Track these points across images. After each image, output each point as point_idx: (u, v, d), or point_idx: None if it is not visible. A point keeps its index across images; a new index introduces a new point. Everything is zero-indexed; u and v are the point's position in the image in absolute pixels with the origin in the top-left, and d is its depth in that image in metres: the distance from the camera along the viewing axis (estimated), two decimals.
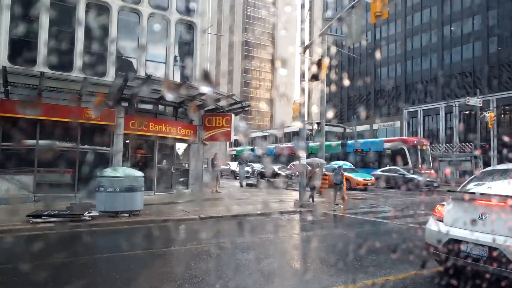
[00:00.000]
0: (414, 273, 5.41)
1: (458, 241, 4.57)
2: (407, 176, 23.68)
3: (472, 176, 6.09)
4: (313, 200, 13.87)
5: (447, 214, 4.99)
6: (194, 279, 5.25)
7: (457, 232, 4.63)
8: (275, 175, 26.29)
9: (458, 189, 5.62)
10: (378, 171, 25.90)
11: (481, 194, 4.80)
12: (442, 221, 5.00)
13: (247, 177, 25.65)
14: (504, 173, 5.63)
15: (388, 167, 26.29)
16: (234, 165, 34.97)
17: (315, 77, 14.08)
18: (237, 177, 31.30)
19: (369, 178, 23.13)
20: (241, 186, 23.19)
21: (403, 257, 6.23)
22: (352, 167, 25.06)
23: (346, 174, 20.10)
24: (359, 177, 22.89)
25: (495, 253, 4.16)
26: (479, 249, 4.33)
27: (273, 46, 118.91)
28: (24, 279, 5.22)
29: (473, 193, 5.03)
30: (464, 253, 4.47)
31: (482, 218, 4.48)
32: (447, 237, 4.71)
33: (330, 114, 56.68)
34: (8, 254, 6.79)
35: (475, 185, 5.49)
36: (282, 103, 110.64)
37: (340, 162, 23.18)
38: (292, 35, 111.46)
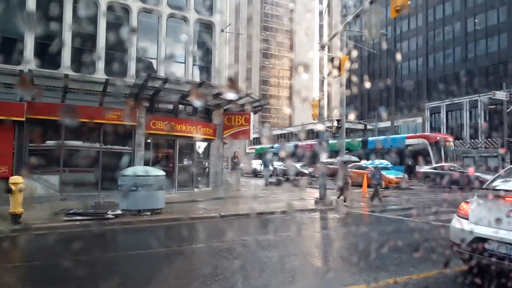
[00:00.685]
0: (438, 272, 5.32)
1: (483, 240, 4.47)
2: (469, 174, 20.52)
3: (498, 173, 5.93)
4: (338, 197, 13.55)
5: (472, 212, 4.89)
6: (216, 277, 5.31)
7: (483, 230, 4.53)
8: (298, 173, 25.87)
9: (484, 186, 5.49)
10: (427, 168, 23.92)
11: (508, 191, 4.67)
12: (467, 219, 4.89)
13: (271, 175, 25.22)
14: None
15: (441, 164, 24.24)
16: (256, 164, 34.69)
17: (334, 74, 13.97)
18: (259, 175, 30.74)
19: (401, 176, 22.31)
20: (266, 185, 22.73)
21: (427, 256, 6.13)
22: (389, 165, 23.64)
23: None
24: (391, 175, 21.93)
25: None
26: (505, 247, 4.23)
27: (291, 43, 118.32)
28: (51, 276, 5.40)
29: (500, 190, 4.91)
30: (490, 251, 4.37)
31: (509, 216, 4.37)
32: (472, 235, 4.61)
33: (351, 111, 56.09)
34: (35, 251, 7.03)
35: (501, 182, 5.35)
36: (301, 101, 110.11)
37: (376, 161, 21.82)
38: (311, 32, 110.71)
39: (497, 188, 5.13)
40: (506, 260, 4.20)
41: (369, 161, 22.65)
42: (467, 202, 5.14)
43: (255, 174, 32.83)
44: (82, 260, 6.05)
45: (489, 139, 38.72)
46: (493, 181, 5.50)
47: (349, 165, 21.12)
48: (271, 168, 26.90)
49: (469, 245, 4.63)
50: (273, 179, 24.71)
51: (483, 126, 40.77)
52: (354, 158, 26.58)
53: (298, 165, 27.43)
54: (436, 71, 51.35)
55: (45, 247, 7.26)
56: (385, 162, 23.36)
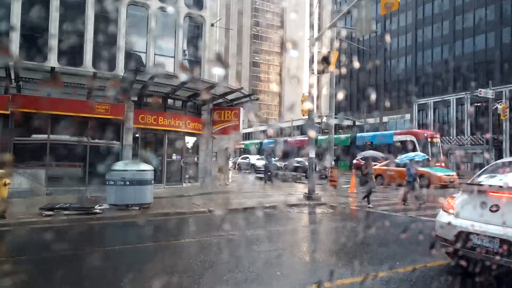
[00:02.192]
0: (424, 265, 5.40)
1: (468, 233, 4.55)
2: None
3: (484, 168, 6.02)
4: (368, 202, 11.93)
5: (457, 206, 4.98)
6: (205, 271, 5.30)
7: (468, 224, 4.61)
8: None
9: (469, 181, 5.58)
10: None
11: (493, 186, 4.78)
12: (452, 213, 4.99)
13: (270, 172, 22.02)
14: None
15: None
16: (253, 159, 32.01)
17: (324, 70, 13.99)
18: (258, 171, 27.27)
19: (452, 174, 19.68)
20: (266, 182, 20.70)
21: (414, 249, 6.21)
22: (425, 157, 19.91)
23: (422, 169, 16.89)
24: (439, 172, 19.36)
25: (506, 245, 4.14)
26: (489, 241, 4.32)
27: (282, 39, 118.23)
28: (37, 271, 5.32)
29: (485, 185, 5.00)
30: (474, 245, 4.46)
31: (493, 210, 4.45)
32: (457, 229, 4.70)
33: (340, 107, 56.36)
34: (21, 246, 6.92)
35: (486, 177, 5.44)
36: (290, 95, 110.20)
37: (411, 154, 18.33)
38: (301, 28, 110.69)
39: (481, 183, 5.22)
40: (489, 252, 4.29)
41: (404, 155, 19.27)
42: (453, 197, 5.23)
43: (255, 169, 29.59)
44: (69, 254, 5.98)
45: (474, 136, 39.33)
46: (478, 176, 5.59)
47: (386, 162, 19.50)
48: (273, 163, 24.03)
49: (453, 238, 4.71)
50: (272, 175, 21.78)
51: (469, 111, 40.12)
52: (380, 154, 25.28)
53: (303, 159, 25.28)
54: (424, 68, 51.84)
55: (31, 242, 7.16)
56: (421, 154, 19.97)
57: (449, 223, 4.89)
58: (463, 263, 4.87)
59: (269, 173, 21.55)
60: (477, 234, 4.46)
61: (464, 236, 4.59)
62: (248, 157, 33.55)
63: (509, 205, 4.37)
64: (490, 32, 43.98)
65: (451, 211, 5.04)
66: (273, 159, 24.02)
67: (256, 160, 31.22)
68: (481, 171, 5.89)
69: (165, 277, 5.04)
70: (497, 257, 4.22)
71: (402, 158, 17.85)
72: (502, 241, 4.19)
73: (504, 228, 4.23)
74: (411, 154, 18.10)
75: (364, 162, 13.29)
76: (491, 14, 44.15)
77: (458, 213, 4.89)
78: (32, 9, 14.64)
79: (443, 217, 5.10)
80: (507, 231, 4.19)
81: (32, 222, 8.47)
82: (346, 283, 4.74)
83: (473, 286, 4.54)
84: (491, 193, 4.63)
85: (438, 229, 5.12)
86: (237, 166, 33.47)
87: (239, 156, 39.68)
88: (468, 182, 5.58)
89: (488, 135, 30.96)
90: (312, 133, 14.72)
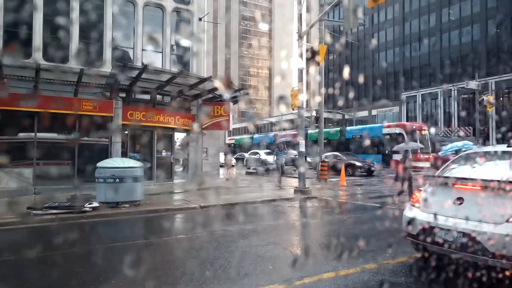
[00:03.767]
0: (414, 257, 5.46)
1: (432, 227, 4.42)
2: None
3: (451, 160, 5.92)
4: (399, 195, 10.93)
5: (423, 200, 4.84)
6: (196, 267, 5.29)
7: (432, 218, 4.47)
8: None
9: (437, 173, 5.48)
10: None
11: (458, 178, 4.61)
12: (418, 207, 4.86)
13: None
14: (485, 156, 5.47)
15: None
16: (263, 154, 29.73)
17: (313, 64, 13.98)
18: (268, 168, 24.13)
19: None
20: (280, 181, 16.98)
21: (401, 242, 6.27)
22: (473, 147, 16.47)
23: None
24: None
25: (470, 239, 4.01)
26: (454, 235, 4.17)
27: (270, 33, 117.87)
28: (26, 271, 5.25)
29: (450, 177, 4.84)
30: (440, 239, 4.30)
31: (458, 204, 4.32)
32: (422, 223, 4.57)
33: (329, 101, 56.58)
34: (9, 246, 6.82)
35: (454, 169, 5.35)
36: (279, 89, 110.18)
37: (459, 144, 15.32)
38: (289, 21, 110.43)
39: (446, 175, 5.09)
40: (456, 247, 4.13)
41: (449, 146, 16.14)
42: (419, 190, 5.11)
43: (265, 165, 26.27)
44: (58, 254, 5.91)
45: (462, 127, 39.88)
46: (445, 168, 5.50)
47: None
48: (284, 158, 22.04)
49: (419, 233, 4.58)
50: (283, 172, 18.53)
51: (456, 113, 40.09)
52: (418, 145, 23.83)
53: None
54: (412, 61, 52.25)
55: (19, 242, 7.06)
56: (470, 143, 17.27)
57: (414, 217, 4.74)
58: (430, 257, 4.80)
59: (282, 170, 18.53)
60: (441, 228, 4.31)
61: (428, 230, 4.45)
62: (258, 153, 31.04)
63: (473, 197, 4.23)
64: (476, 24, 44.47)
65: (417, 204, 4.90)
66: (282, 154, 22.46)
67: (266, 155, 28.72)
68: (447, 163, 5.78)
69: (157, 274, 5.02)
70: (462, 251, 4.08)
71: (447, 150, 15.16)
72: (465, 234, 4.06)
73: (468, 221, 4.09)
74: (459, 143, 15.03)
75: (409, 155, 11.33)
76: (476, 6, 44.61)
77: (424, 207, 4.76)
78: (15, 4, 14.34)
79: (409, 211, 4.96)
80: (471, 225, 4.05)
81: (19, 222, 8.34)
82: (337, 276, 4.77)
83: (440, 281, 4.54)
84: (455, 186, 4.49)
85: (405, 223, 4.96)
86: (245, 162, 31.98)
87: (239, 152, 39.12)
88: (435, 174, 5.48)
89: (465, 133, 31.40)
90: (301, 127, 14.71)
